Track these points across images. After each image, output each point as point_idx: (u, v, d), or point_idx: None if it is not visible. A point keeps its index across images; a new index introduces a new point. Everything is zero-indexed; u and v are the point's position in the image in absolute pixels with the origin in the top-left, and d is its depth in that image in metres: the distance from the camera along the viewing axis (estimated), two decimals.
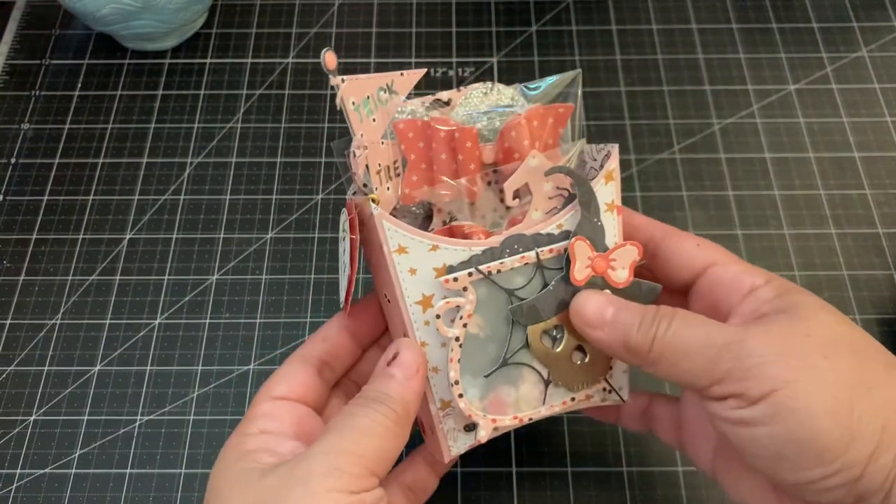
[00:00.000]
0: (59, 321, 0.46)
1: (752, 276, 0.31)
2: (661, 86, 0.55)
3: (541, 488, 0.41)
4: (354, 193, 0.34)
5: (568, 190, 0.32)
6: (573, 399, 0.34)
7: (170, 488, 0.41)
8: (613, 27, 0.58)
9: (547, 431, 0.42)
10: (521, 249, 0.31)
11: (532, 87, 0.35)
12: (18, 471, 0.42)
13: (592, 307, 0.30)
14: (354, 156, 0.32)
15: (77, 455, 0.42)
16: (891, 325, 0.46)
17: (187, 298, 0.47)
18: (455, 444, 0.33)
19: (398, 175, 0.33)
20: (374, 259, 0.33)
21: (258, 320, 0.46)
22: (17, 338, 0.46)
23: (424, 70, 0.33)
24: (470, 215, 0.33)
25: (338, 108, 0.30)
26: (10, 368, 0.45)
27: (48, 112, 0.55)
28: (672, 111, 0.54)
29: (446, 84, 0.55)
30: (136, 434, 0.43)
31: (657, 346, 0.29)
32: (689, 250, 0.33)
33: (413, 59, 0.57)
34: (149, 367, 0.45)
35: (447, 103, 0.34)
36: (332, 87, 0.30)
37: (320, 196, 0.51)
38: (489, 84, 0.34)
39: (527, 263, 0.31)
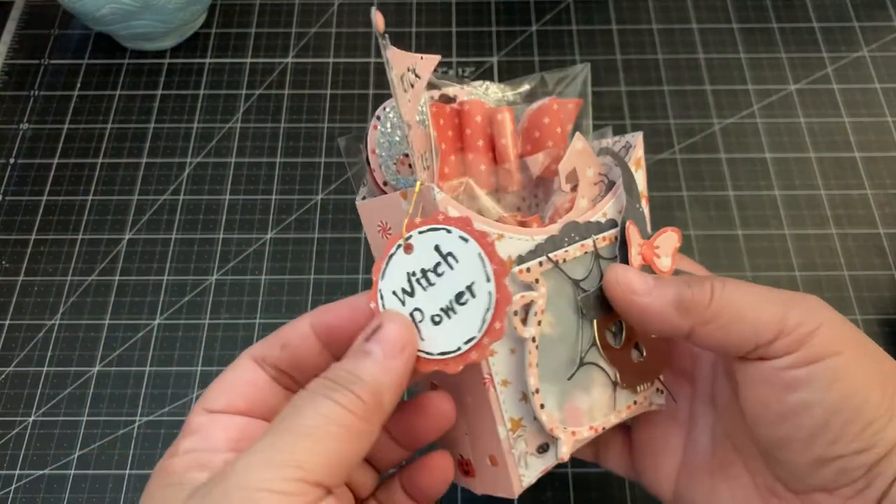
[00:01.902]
0: (58, 321, 0.46)
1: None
2: (661, 86, 0.55)
3: (541, 489, 0.41)
4: (364, 198, 0.31)
5: (607, 176, 0.31)
6: (635, 402, 0.31)
7: None
8: (614, 27, 0.58)
9: None
10: (577, 238, 0.29)
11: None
12: (17, 471, 0.42)
13: (635, 273, 0.29)
14: (404, 137, 0.28)
15: (76, 456, 0.42)
16: (891, 325, 0.46)
17: (187, 299, 0.47)
18: (527, 472, 0.28)
19: (427, 168, 0.29)
20: None
21: (258, 321, 0.46)
22: (16, 338, 0.46)
23: (438, 57, 0.29)
24: (503, 209, 0.30)
25: (389, 78, 0.27)
26: (8, 369, 0.45)
27: (47, 112, 0.55)
28: (672, 111, 0.54)
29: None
30: (135, 435, 0.43)
31: (717, 300, 0.27)
32: None
33: None
34: (148, 368, 0.45)
35: (452, 99, 0.32)
36: (388, 54, 0.27)
37: (320, 196, 0.51)
38: (486, 83, 0.33)
39: (585, 253, 0.29)
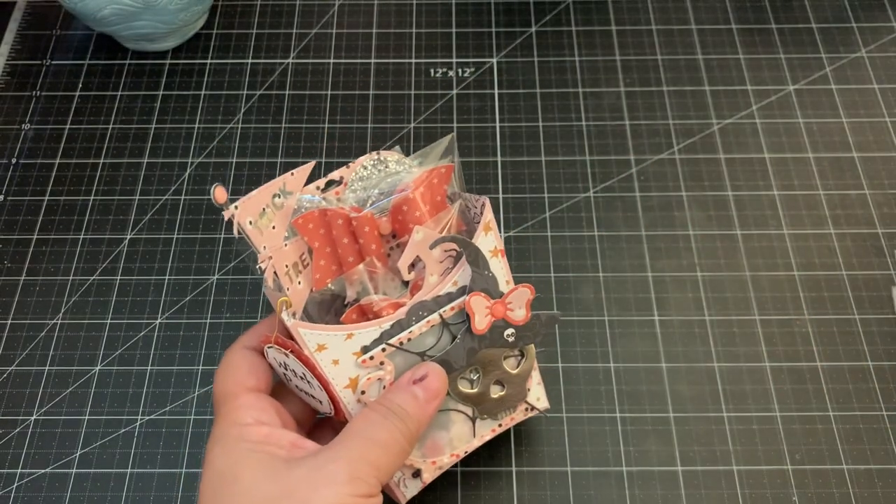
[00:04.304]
0: (59, 321, 0.46)
1: None
2: (660, 86, 0.55)
3: (540, 487, 0.41)
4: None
5: (456, 249, 0.35)
6: (500, 425, 0.38)
7: (170, 488, 0.41)
8: (613, 27, 0.58)
9: (546, 431, 0.43)
10: (425, 314, 0.34)
11: (414, 159, 0.38)
12: (19, 470, 0.42)
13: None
14: (260, 270, 0.34)
15: (78, 455, 0.42)
16: (890, 325, 0.46)
17: (188, 298, 0.47)
18: (407, 490, 0.36)
19: (307, 266, 0.36)
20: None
21: (259, 320, 0.46)
22: (18, 338, 0.46)
23: (313, 163, 0.36)
24: (379, 288, 0.36)
25: (235, 234, 0.33)
26: (11, 368, 0.45)
27: (49, 112, 0.55)
28: (671, 111, 0.54)
29: (446, 84, 0.55)
30: (136, 434, 0.43)
31: None
32: None
33: (413, 60, 0.57)
34: (149, 367, 0.45)
35: (340, 181, 0.37)
36: (228, 218, 0.33)
37: None
38: (375, 155, 0.37)
39: (433, 325, 0.34)
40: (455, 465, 0.41)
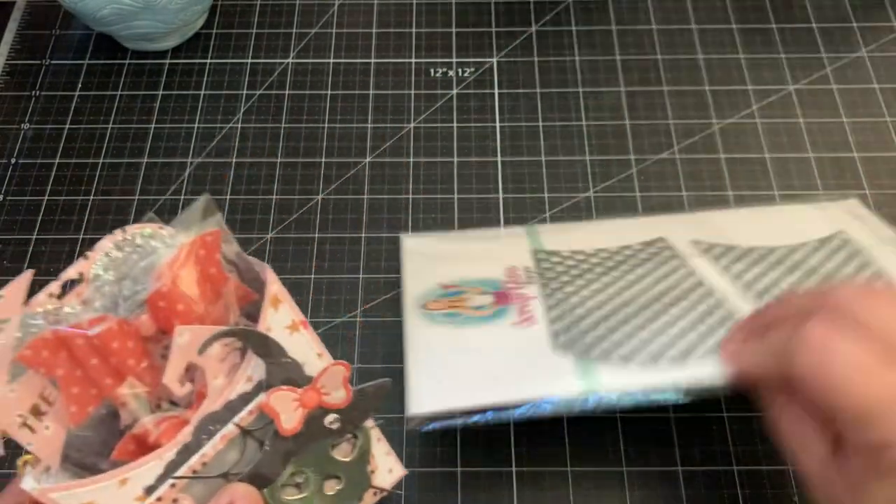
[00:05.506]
0: None
1: None
2: (660, 86, 0.55)
3: (540, 488, 0.41)
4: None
5: (238, 340, 0.29)
6: None
7: None
8: (613, 27, 0.58)
9: (547, 431, 0.42)
10: (218, 427, 0.28)
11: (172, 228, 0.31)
12: None
13: None
14: None
15: None
16: None
17: None
18: None
19: (54, 402, 0.29)
20: None
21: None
22: None
23: (29, 274, 0.28)
24: (153, 406, 0.30)
25: None
26: None
27: (48, 112, 0.55)
28: (672, 111, 0.54)
29: (446, 84, 0.55)
30: None
31: None
32: None
33: (413, 60, 0.57)
34: None
35: (80, 280, 0.30)
36: None
37: (320, 196, 0.51)
38: (119, 235, 0.30)
39: (231, 438, 0.29)
40: (455, 465, 0.41)
